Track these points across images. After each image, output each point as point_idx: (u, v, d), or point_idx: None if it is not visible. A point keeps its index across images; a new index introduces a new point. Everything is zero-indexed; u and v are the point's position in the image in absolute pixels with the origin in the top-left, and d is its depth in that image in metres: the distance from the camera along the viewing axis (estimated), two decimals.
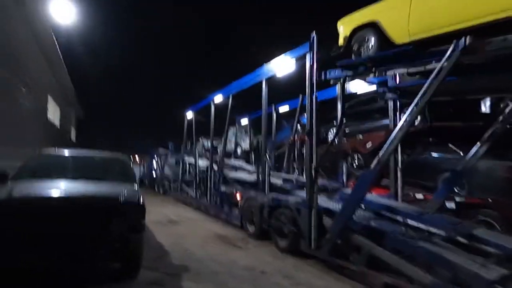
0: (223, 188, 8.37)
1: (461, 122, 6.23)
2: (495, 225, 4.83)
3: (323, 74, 4.96)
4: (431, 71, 3.47)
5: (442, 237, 3.73)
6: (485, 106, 6.00)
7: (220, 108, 9.58)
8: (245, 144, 13.55)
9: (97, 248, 3.42)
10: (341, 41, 4.74)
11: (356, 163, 8.37)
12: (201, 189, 10.47)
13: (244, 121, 13.31)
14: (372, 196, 5.67)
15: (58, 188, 3.68)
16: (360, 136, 8.32)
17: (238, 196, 7.48)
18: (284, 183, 7.07)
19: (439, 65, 3.24)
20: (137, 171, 22.19)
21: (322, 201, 5.09)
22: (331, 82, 4.97)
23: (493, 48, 2.93)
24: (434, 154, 6.78)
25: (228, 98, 8.61)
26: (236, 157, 13.79)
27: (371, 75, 4.28)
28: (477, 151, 4.97)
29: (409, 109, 3.42)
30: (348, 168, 7.44)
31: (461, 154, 6.30)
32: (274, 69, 6.35)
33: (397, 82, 5.47)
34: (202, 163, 11.53)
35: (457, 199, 5.69)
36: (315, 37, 4.97)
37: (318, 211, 4.64)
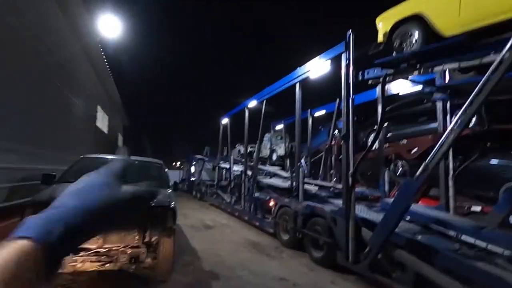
0: (257, 194, 8.25)
1: None
2: None
3: (360, 74, 4.63)
4: (488, 65, 3.02)
5: (504, 258, 3.18)
6: None
7: (256, 113, 9.55)
8: (280, 150, 13.34)
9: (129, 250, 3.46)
10: (380, 38, 4.40)
11: (400, 171, 7.72)
12: (236, 195, 10.45)
13: (279, 127, 13.14)
14: (419, 207, 5.14)
15: None
16: (404, 141, 7.68)
17: (271, 203, 7.29)
18: (320, 191, 6.74)
19: (498, 57, 2.79)
20: (176, 176, 23.07)
21: (361, 210, 4.71)
22: (370, 82, 4.61)
23: None
24: (494, 161, 5.98)
25: (262, 103, 8.52)
26: (272, 163, 13.63)
27: (415, 73, 3.86)
28: None
29: (462, 109, 2.99)
30: (391, 176, 6.87)
31: None
32: (308, 71, 6.13)
33: (447, 80, 4.93)
34: (237, 169, 11.55)
35: None
36: (351, 35, 4.68)
37: (356, 222, 4.28)
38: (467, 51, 3.30)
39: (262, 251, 5.78)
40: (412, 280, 3.35)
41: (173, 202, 3.95)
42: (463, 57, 3.31)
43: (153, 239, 3.57)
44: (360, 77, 4.59)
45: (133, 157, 5.58)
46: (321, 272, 4.68)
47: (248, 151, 10.47)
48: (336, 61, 5.27)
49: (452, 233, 4.13)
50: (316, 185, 7.45)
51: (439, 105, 5.55)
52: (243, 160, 11.17)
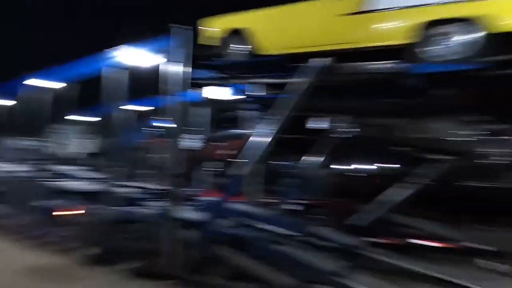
0: (47, 202, 6.36)
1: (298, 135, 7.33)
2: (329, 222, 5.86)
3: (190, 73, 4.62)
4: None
5: (297, 239, 4.04)
6: (310, 123, 7.25)
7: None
8: (83, 146, 11.20)
9: None
10: (204, 41, 4.61)
11: (213, 170, 8.42)
12: (12, 204, 7.64)
13: (84, 118, 11.02)
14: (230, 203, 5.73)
15: None
16: (217, 143, 8.47)
17: (70, 212, 5.87)
18: (134, 193, 6.14)
19: (297, 81, 3.56)
20: None
21: (181, 211, 4.65)
22: (198, 82, 4.70)
23: (347, 71, 3.49)
24: (282, 163, 7.67)
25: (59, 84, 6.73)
26: (70, 162, 11.18)
27: (234, 81, 4.36)
28: (317, 160, 5.96)
29: (276, 119, 3.60)
30: (204, 175, 7.36)
31: (296, 162, 7.44)
32: (122, 59, 5.42)
33: (248, 92, 5.76)
34: (11, 169, 8.55)
35: (302, 201, 6.57)
36: (178, 31, 4.57)
37: (178, 224, 4.18)
38: (276, 70, 4.03)
39: (61, 275, 4.43)
40: (232, 273, 3.63)
41: None
42: (272, 75, 4.04)
43: None
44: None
45: None
46: (143, 284, 4.15)
47: (31, 146, 7.98)
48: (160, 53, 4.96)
49: (255, 223, 4.86)
50: (131, 186, 6.74)
51: (249, 113, 6.47)
52: (22, 158, 8.41)
